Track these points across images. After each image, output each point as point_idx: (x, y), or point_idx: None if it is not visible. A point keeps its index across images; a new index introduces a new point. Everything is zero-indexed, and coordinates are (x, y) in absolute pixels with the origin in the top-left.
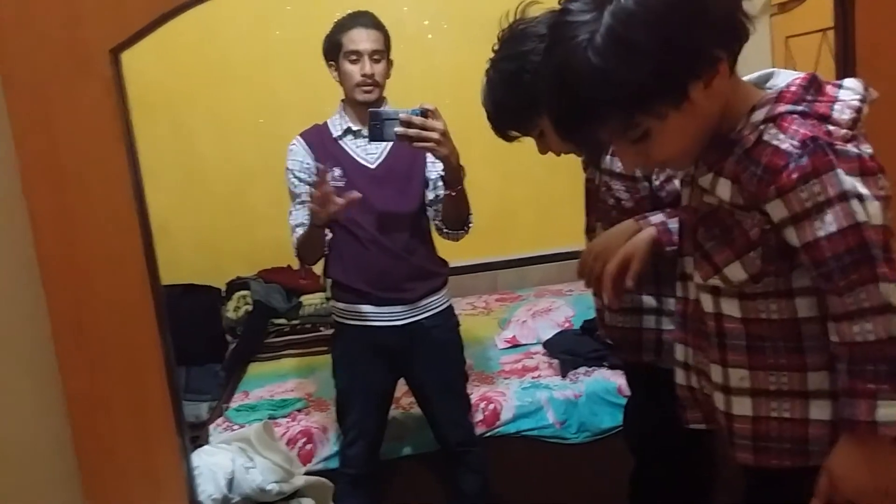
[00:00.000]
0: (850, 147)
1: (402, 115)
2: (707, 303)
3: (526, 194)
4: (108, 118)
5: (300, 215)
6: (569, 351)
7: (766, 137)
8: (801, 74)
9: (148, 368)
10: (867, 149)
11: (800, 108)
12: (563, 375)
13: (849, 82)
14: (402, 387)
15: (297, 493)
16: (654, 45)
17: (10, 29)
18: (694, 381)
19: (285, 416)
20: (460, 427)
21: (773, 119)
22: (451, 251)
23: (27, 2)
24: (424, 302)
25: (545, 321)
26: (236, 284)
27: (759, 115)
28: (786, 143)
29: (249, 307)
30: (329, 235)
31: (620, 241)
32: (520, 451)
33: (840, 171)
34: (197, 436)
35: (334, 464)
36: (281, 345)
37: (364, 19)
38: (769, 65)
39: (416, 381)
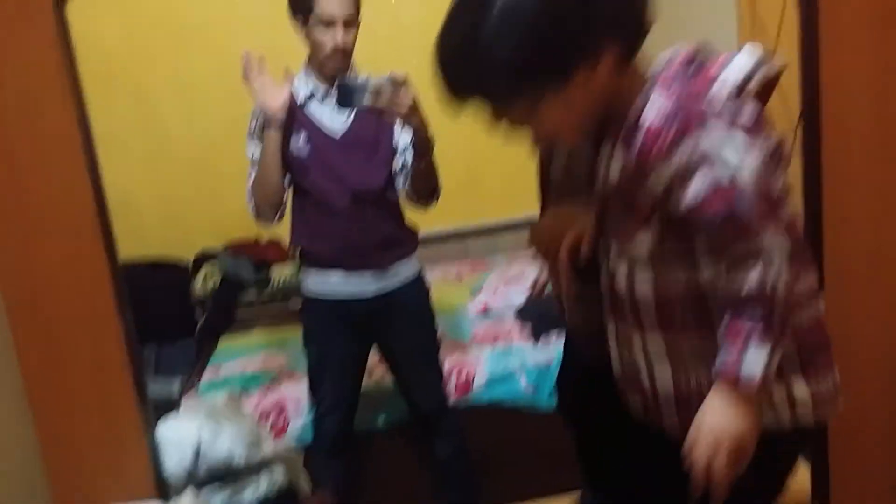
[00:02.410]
0: (725, 112)
1: (371, 85)
2: (622, 275)
3: (493, 160)
4: (53, 74)
5: (254, 148)
6: (541, 315)
7: (641, 119)
8: (685, 53)
9: (107, 342)
10: (748, 111)
11: (673, 86)
12: (536, 340)
13: (741, 57)
14: (374, 357)
15: (265, 463)
16: (543, 25)
17: None
18: (626, 356)
19: (258, 390)
20: (433, 394)
21: (648, 101)
22: (421, 219)
23: None
24: (394, 270)
25: (517, 287)
26: (204, 258)
27: (641, 99)
28: (657, 120)
29: (218, 280)
30: (289, 192)
31: (568, 223)
32: (493, 417)
33: (704, 135)
34: (168, 412)
35: (308, 436)
36: (251, 318)
37: None
38: (733, 20)
39: (388, 349)
